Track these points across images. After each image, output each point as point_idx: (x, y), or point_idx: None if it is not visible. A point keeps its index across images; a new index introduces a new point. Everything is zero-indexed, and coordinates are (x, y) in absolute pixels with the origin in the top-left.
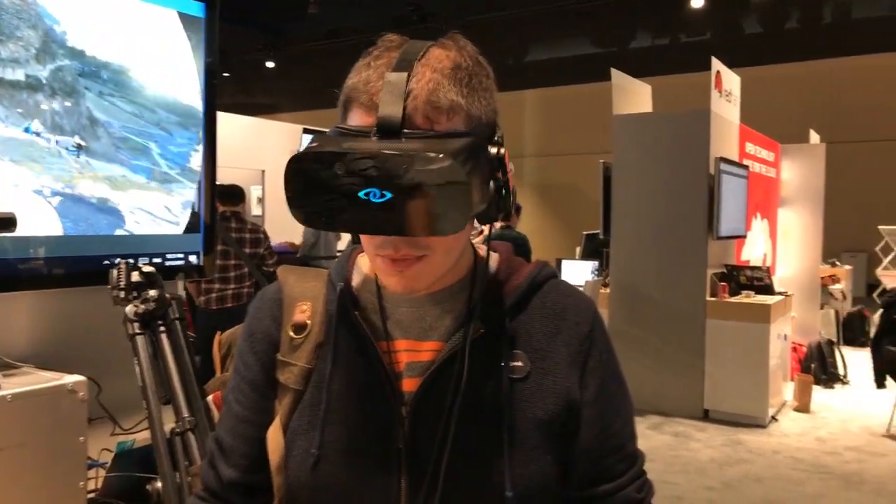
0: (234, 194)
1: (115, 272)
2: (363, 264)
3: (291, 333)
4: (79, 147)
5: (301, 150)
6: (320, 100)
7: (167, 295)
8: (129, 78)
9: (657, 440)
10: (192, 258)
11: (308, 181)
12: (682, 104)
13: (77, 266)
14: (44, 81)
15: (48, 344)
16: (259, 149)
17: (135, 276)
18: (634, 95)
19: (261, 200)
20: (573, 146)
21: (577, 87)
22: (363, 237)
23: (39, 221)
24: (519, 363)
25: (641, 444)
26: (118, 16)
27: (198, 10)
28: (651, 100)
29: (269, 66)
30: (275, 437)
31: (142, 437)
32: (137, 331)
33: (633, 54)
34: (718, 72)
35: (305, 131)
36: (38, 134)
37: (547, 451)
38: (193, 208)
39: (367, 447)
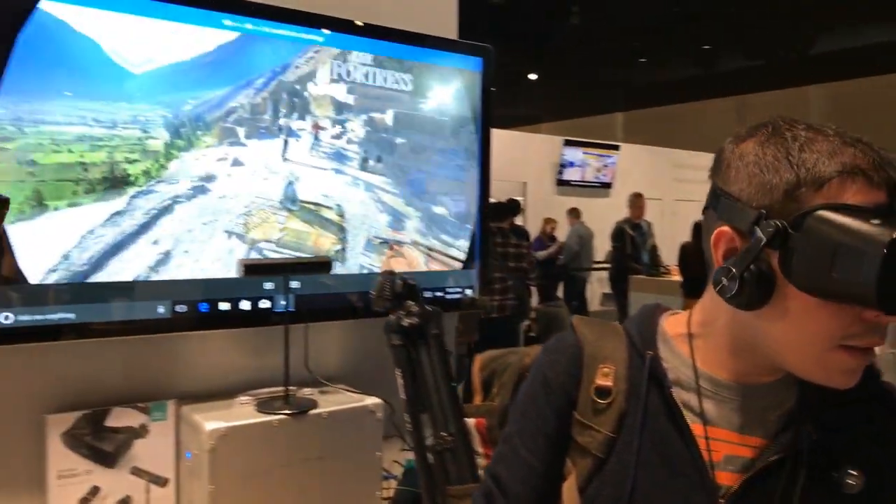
0: (500, 211)
1: (379, 281)
2: (668, 330)
3: (594, 397)
4: None
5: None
6: (580, 108)
7: (429, 308)
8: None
9: None
10: (468, 292)
11: None
12: None
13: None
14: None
15: (352, 367)
16: (521, 161)
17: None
18: None
19: (522, 212)
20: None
21: (875, 80)
22: (818, 326)
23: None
24: (853, 474)
25: None
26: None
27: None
28: None
29: (531, 78)
30: (572, 498)
31: None
32: (398, 342)
33: None
34: None
35: (566, 143)
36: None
37: None
38: (471, 243)
39: None
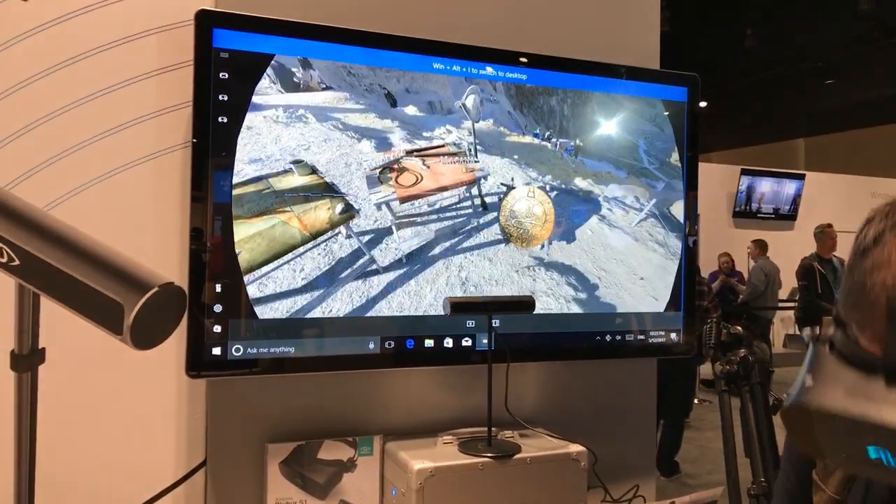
0: None
1: (706, 329)
2: None
3: None
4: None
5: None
6: (755, 136)
7: (751, 358)
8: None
9: None
10: (673, 335)
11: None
12: None
13: (577, 341)
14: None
15: (549, 409)
16: None
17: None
18: None
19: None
20: None
21: None
22: None
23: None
24: None
25: None
26: None
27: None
28: None
29: (702, 106)
30: None
31: None
32: (723, 388)
33: None
34: None
35: (744, 172)
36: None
37: None
38: (675, 285)
39: None
